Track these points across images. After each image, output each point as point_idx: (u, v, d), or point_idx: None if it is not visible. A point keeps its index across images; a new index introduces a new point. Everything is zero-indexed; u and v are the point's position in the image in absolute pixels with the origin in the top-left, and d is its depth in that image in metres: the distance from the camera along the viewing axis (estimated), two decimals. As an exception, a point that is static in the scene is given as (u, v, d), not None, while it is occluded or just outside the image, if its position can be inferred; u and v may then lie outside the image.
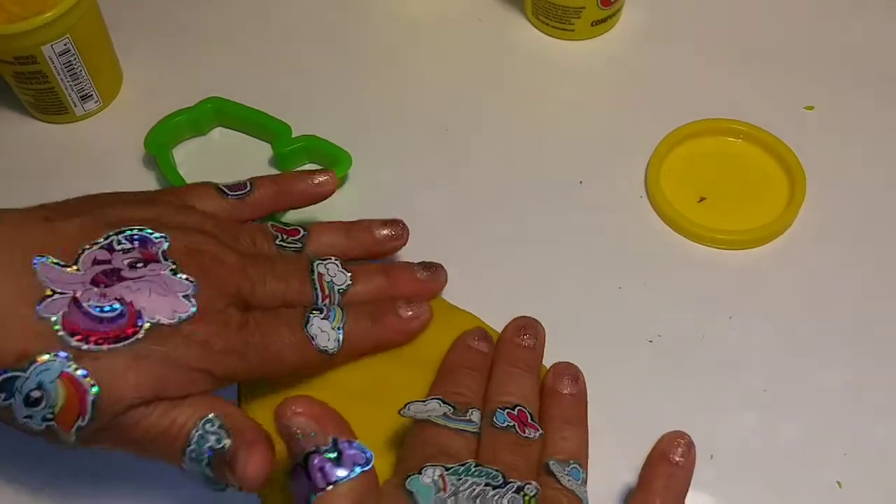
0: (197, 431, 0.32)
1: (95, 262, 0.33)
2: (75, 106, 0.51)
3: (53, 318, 0.31)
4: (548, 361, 0.40)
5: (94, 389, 0.31)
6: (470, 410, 0.36)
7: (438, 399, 0.36)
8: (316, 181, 0.42)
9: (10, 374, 0.31)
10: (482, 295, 0.43)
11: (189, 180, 0.47)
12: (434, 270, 0.42)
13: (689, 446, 0.37)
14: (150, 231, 0.35)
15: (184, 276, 0.34)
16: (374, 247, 0.42)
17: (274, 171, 0.49)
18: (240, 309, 0.35)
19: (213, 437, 0.32)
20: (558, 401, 0.38)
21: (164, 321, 0.33)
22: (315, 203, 0.43)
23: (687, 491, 0.36)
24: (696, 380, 0.41)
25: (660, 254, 0.45)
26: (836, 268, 0.45)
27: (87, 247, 0.34)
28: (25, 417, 0.31)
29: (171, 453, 0.33)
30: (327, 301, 0.38)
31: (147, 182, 0.49)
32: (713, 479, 0.38)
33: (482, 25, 0.56)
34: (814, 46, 0.54)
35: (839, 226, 0.46)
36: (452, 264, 0.45)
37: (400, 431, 0.37)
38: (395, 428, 0.37)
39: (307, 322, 0.36)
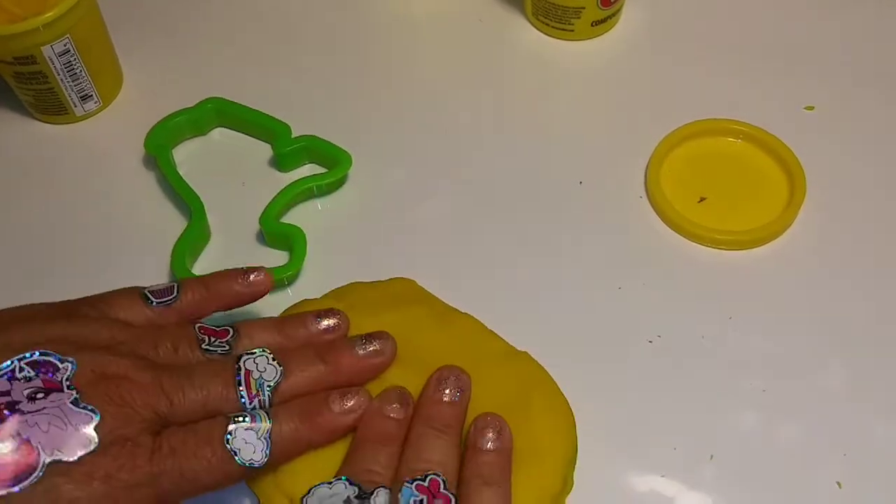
0: None
1: None
2: (75, 106, 0.51)
3: None
4: (547, 363, 0.40)
5: None
6: (376, 491, 0.33)
7: (344, 480, 0.33)
8: (249, 280, 0.38)
9: None
10: (482, 295, 0.43)
11: (189, 180, 0.47)
12: (379, 342, 0.37)
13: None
14: (54, 356, 0.32)
15: (88, 407, 0.31)
16: (309, 343, 0.38)
17: (274, 171, 0.50)
18: (155, 431, 0.33)
19: None
20: (478, 458, 0.35)
21: (64, 458, 0.30)
22: (248, 304, 0.39)
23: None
24: (695, 380, 0.41)
25: (660, 254, 0.45)
26: (836, 268, 0.45)
27: None
28: None
29: None
30: (255, 401, 0.35)
31: (147, 182, 0.49)
32: (713, 479, 0.38)
33: (482, 25, 0.56)
34: (814, 46, 0.54)
35: (839, 226, 0.46)
36: (452, 264, 0.45)
37: None
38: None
39: (229, 435, 0.33)
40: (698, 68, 0.53)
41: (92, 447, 0.31)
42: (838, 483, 0.38)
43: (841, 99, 0.51)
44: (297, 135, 0.49)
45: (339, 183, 0.48)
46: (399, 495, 0.32)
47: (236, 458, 0.33)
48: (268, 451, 0.34)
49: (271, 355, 0.36)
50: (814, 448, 0.39)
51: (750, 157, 0.48)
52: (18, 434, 0.30)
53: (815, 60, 0.53)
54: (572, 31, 0.54)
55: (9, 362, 0.31)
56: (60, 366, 0.32)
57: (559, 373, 0.39)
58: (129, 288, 0.37)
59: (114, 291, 0.37)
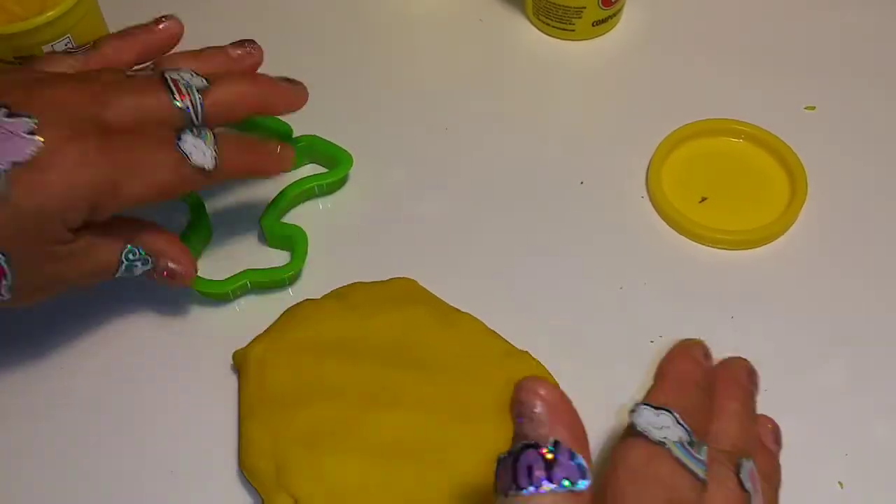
0: (122, 264, 0.37)
1: None
2: (76, 106, 0.51)
3: None
4: (548, 363, 0.40)
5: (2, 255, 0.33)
6: (702, 446, 0.28)
7: (673, 415, 0.28)
8: (160, 27, 0.41)
9: None
10: (482, 295, 0.43)
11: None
12: (297, 85, 0.42)
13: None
14: None
15: (23, 114, 0.33)
16: (229, 67, 0.40)
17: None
18: (100, 132, 0.34)
19: (139, 264, 0.38)
20: (762, 458, 0.32)
21: (19, 161, 0.32)
22: (161, 51, 0.41)
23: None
24: (697, 380, 0.41)
25: (661, 254, 0.45)
26: (838, 268, 0.45)
27: None
28: None
29: (103, 278, 0.38)
30: (187, 100, 0.36)
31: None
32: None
33: (482, 25, 0.56)
34: (815, 46, 0.54)
35: (840, 226, 0.46)
36: (452, 264, 0.45)
37: (413, 433, 0.37)
38: (405, 431, 0.37)
39: (179, 139, 0.36)
40: (699, 68, 0.53)
41: (38, 146, 0.33)
42: (840, 483, 0.38)
43: (842, 99, 0.51)
44: (297, 134, 0.49)
45: (341, 183, 0.48)
46: (739, 471, 0.29)
47: (189, 159, 0.35)
48: (217, 158, 0.36)
49: (194, 71, 0.38)
50: (815, 448, 0.39)
51: (751, 157, 0.48)
52: None
53: (817, 60, 0.53)
54: (573, 30, 0.54)
55: None
56: None
57: (560, 373, 0.39)
58: (47, 52, 0.40)
59: (35, 57, 0.41)
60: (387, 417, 0.37)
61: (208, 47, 0.41)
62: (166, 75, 0.37)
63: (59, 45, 0.47)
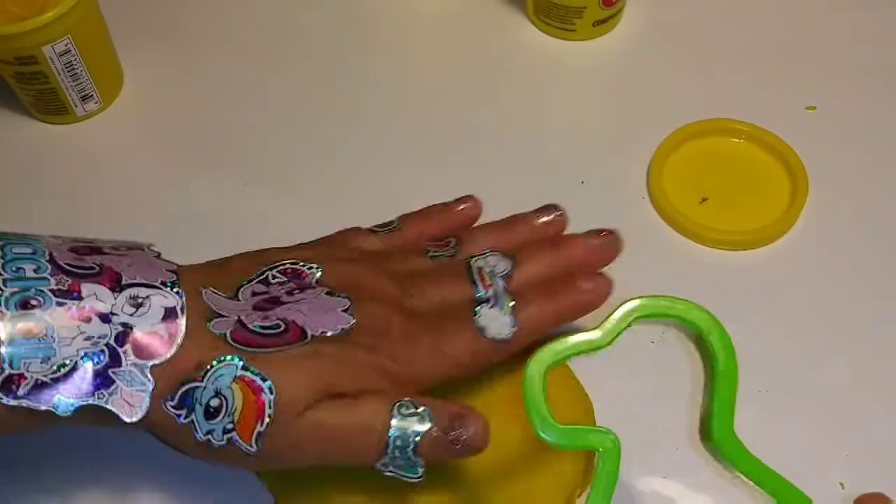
0: (395, 419, 0.31)
1: (254, 294, 0.34)
2: (76, 106, 0.51)
3: (222, 332, 0.32)
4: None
5: (269, 384, 0.30)
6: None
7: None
8: (460, 209, 0.41)
9: (189, 386, 0.30)
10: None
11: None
12: (607, 236, 0.38)
13: None
14: (302, 263, 0.35)
15: (342, 294, 0.34)
16: (532, 238, 0.39)
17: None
18: (406, 317, 0.35)
19: (415, 419, 0.31)
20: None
21: (329, 333, 0.32)
22: (462, 229, 0.41)
23: None
24: (697, 380, 0.41)
25: (661, 254, 0.45)
26: (839, 268, 0.45)
27: (245, 282, 0.34)
28: (207, 434, 0.31)
29: (366, 448, 0.32)
30: (491, 290, 0.36)
31: (147, 182, 0.49)
32: (714, 479, 0.38)
33: (482, 25, 0.56)
34: (816, 46, 0.54)
35: (841, 226, 0.46)
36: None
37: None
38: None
39: (475, 315, 0.35)
40: (700, 68, 0.53)
41: (351, 323, 0.33)
42: (841, 484, 0.38)
43: (843, 99, 0.51)
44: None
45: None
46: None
47: (485, 333, 0.35)
48: (514, 326, 0.35)
49: (499, 252, 0.38)
50: (816, 449, 0.39)
51: (752, 158, 0.48)
52: (285, 317, 0.32)
53: (817, 60, 0.53)
54: (574, 30, 0.54)
55: (263, 267, 0.35)
56: (307, 272, 0.35)
57: (561, 373, 0.39)
58: (353, 227, 0.40)
59: (342, 230, 0.40)
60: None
61: (510, 218, 0.40)
62: (472, 264, 0.37)
63: (60, 46, 0.47)
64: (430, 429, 0.31)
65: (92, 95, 0.51)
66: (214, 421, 0.30)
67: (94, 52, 0.50)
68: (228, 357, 0.31)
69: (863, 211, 0.47)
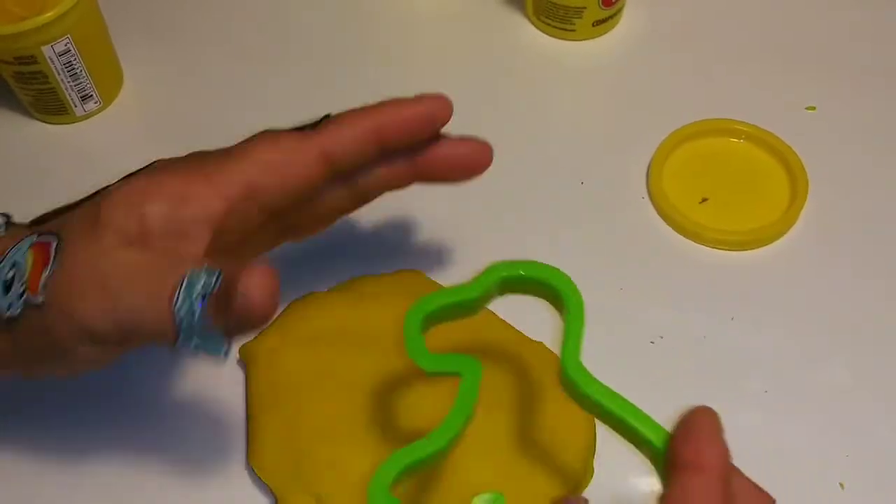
0: (184, 277, 0.29)
1: None
2: (75, 106, 0.51)
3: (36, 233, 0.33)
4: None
5: (56, 236, 0.31)
6: None
7: None
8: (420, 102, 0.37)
9: None
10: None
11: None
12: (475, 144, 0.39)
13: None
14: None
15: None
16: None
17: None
18: None
19: (203, 275, 0.30)
20: None
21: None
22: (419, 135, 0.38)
23: None
24: (697, 381, 0.41)
25: (661, 255, 0.45)
26: (839, 268, 0.45)
27: None
28: (8, 308, 0.31)
29: (159, 300, 0.30)
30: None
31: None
32: (715, 480, 0.38)
33: (482, 25, 0.56)
34: (816, 46, 0.54)
35: (841, 226, 0.46)
36: (452, 264, 0.45)
37: (429, 421, 0.36)
38: (421, 419, 0.36)
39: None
40: (700, 68, 0.53)
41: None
42: (841, 484, 0.38)
43: (843, 99, 0.51)
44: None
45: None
46: None
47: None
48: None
49: None
50: (816, 449, 0.39)
51: (752, 158, 0.48)
52: None
53: (817, 60, 0.53)
54: (573, 30, 0.54)
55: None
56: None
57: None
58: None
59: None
60: (402, 408, 0.37)
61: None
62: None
63: (59, 46, 0.47)
64: (214, 281, 0.29)
65: (91, 95, 0.51)
66: (11, 292, 0.31)
67: (94, 51, 0.50)
68: (28, 237, 0.32)
69: (862, 211, 0.47)
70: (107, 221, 0.31)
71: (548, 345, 0.40)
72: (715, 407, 0.40)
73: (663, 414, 0.40)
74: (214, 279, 0.29)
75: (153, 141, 0.52)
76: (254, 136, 0.36)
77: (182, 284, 0.29)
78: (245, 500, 0.38)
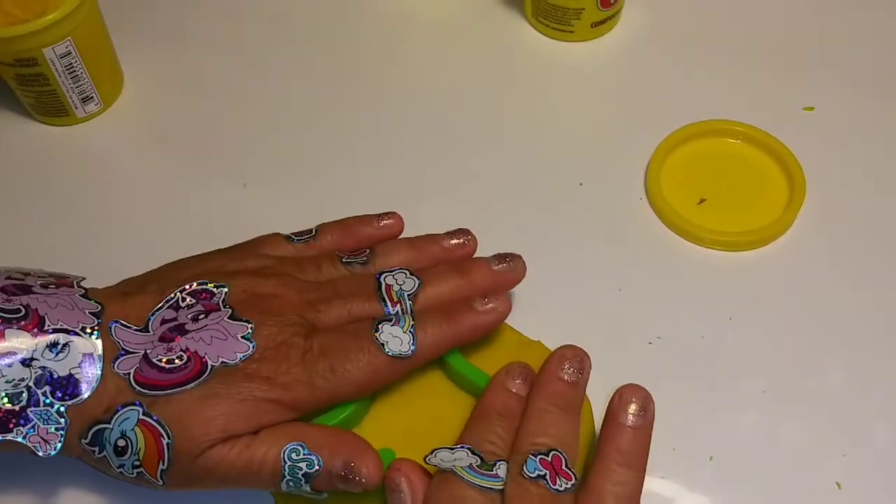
0: (286, 464, 0.33)
1: (163, 321, 0.36)
2: (76, 108, 0.51)
3: (127, 373, 0.34)
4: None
5: (166, 430, 0.33)
6: (498, 464, 0.33)
7: (467, 448, 0.34)
8: (381, 223, 0.42)
9: (99, 427, 0.33)
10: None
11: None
12: (511, 261, 0.40)
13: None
14: (210, 283, 0.37)
15: (243, 319, 0.35)
16: (442, 257, 0.41)
17: (275, 173, 0.50)
18: (306, 336, 0.36)
19: (303, 464, 0.33)
20: (618, 435, 0.35)
21: (228, 362, 0.34)
22: (381, 242, 0.41)
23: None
24: (695, 381, 0.41)
25: (660, 255, 0.45)
26: (836, 269, 0.45)
27: (156, 310, 0.36)
28: (119, 468, 0.34)
29: (264, 484, 0.34)
30: (398, 307, 0.37)
31: (148, 184, 0.50)
32: (712, 480, 0.38)
33: (482, 26, 0.56)
34: (814, 47, 0.54)
35: (839, 227, 0.46)
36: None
37: (433, 421, 0.37)
38: (424, 419, 0.37)
39: (376, 331, 0.36)
40: (698, 69, 0.53)
41: (250, 351, 0.34)
42: (837, 484, 0.38)
43: (841, 100, 0.51)
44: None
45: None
46: (523, 467, 0.33)
47: (384, 348, 0.35)
48: (413, 344, 0.36)
49: (408, 270, 0.39)
50: (813, 449, 0.39)
51: (750, 159, 0.48)
52: (188, 348, 0.34)
53: (815, 61, 0.53)
54: (572, 32, 0.54)
55: (172, 294, 0.36)
56: (216, 291, 0.36)
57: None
58: (271, 233, 0.41)
59: (258, 237, 0.41)
60: (404, 406, 0.38)
61: (424, 237, 0.41)
62: (381, 280, 0.38)
63: (60, 48, 0.47)
64: (319, 471, 0.33)
65: (92, 97, 0.51)
66: (123, 458, 0.33)
67: (95, 54, 0.50)
68: (132, 403, 0.33)
69: (860, 211, 0.47)
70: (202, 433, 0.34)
71: (547, 345, 0.40)
72: (714, 407, 0.41)
73: (662, 415, 0.40)
74: (313, 470, 0.34)
75: (154, 143, 0.52)
76: None
77: (285, 466, 0.33)
78: (246, 499, 0.38)
